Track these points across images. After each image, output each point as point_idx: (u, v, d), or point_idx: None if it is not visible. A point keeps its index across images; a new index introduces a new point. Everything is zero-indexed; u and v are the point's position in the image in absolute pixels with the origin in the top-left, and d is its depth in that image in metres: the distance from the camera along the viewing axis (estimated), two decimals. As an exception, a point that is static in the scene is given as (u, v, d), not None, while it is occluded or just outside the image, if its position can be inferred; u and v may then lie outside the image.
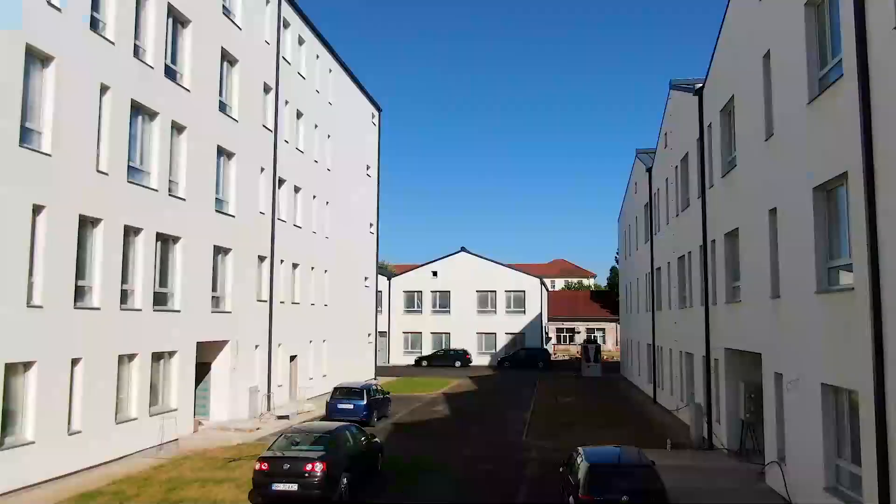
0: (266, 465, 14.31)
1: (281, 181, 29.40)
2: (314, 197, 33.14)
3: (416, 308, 58.68)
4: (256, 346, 26.76)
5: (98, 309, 17.64)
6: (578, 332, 73.23)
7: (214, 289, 23.98)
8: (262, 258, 27.60)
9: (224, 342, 24.56)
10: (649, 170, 33.17)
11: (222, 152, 24.67)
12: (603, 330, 72.83)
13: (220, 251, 24.40)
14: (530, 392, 35.93)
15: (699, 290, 22.62)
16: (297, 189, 31.13)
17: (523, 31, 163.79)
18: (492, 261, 58.90)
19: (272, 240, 28.12)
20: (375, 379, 41.87)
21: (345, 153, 37.91)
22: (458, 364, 53.50)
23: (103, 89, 18.10)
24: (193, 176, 22.42)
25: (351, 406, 24.06)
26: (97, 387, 17.45)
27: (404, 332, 58.29)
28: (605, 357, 52.85)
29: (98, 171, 17.80)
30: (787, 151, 14.31)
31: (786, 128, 14.46)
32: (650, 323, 32.85)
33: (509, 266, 59.74)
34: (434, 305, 58.50)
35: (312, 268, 32.73)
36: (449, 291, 58.07)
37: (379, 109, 44.36)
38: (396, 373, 47.80)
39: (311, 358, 32.33)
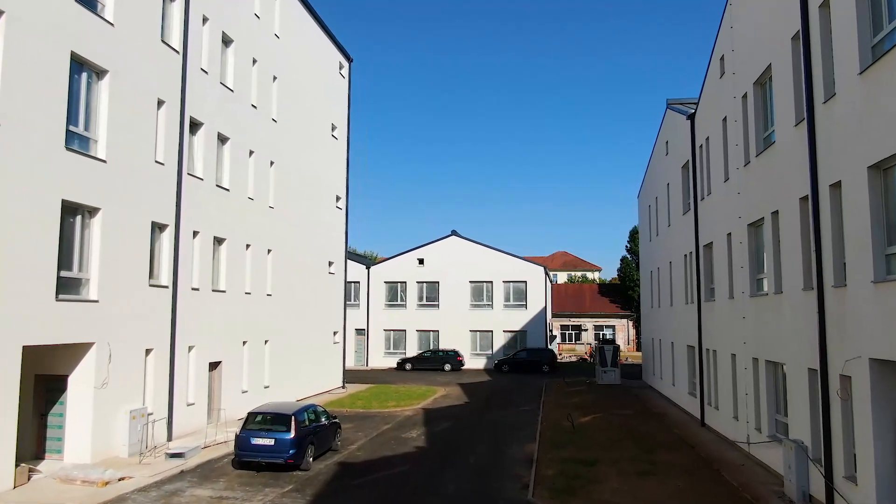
0: None
1: (195, 124, 21.48)
2: (251, 153, 25.14)
3: (399, 301, 50.36)
4: (148, 351, 18.86)
5: None
6: (586, 330, 65.46)
7: (67, 266, 16.08)
8: (160, 226, 19.68)
9: (87, 345, 16.68)
10: (691, 117, 25.23)
11: (84, 66, 16.75)
12: (613, 327, 65.18)
13: (76, 210, 16.46)
14: (535, 407, 28.07)
15: (797, 268, 14.75)
16: (223, 139, 23.17)
17: (532, 9, 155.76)
18: (487, 246, 50.26)
19: (178, 202, 20.17)
20: (344, 388, 34.09)
21: (300, 105, 29.93)
22: (447, 367, 45.64)
23: None
24: (19, 92, 14.50)
25: (271, 441, 16.12)
26: None
27: (385, 330, 49.92)
28: (620, 359, 44.98)
29: None
30: None
31: None
32: (693, 318, 24.91)
33: (508, 254, 51.24)
34: (420, 298, 50.18)
35: (248, 245, 24.77)
36: (437, 282, 49.81)
37: (349, 59, 36.37)
38: (373, 378, 39.95)
39: (244, 365, 24.37)
